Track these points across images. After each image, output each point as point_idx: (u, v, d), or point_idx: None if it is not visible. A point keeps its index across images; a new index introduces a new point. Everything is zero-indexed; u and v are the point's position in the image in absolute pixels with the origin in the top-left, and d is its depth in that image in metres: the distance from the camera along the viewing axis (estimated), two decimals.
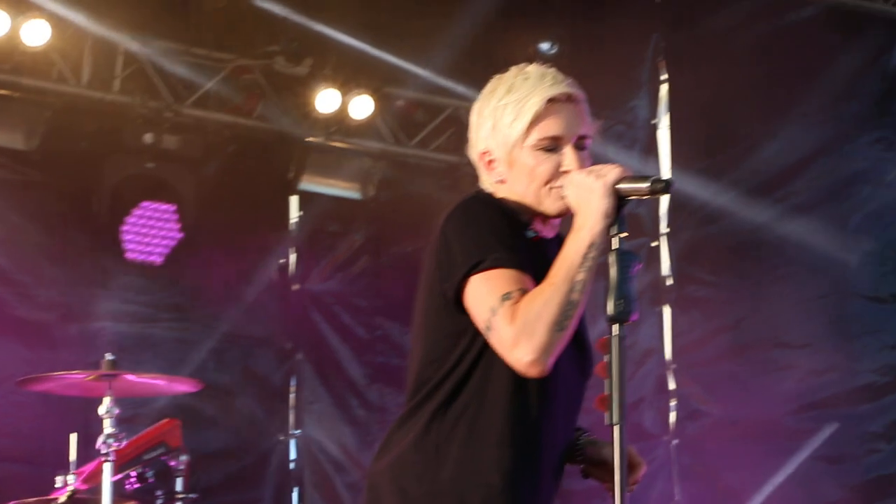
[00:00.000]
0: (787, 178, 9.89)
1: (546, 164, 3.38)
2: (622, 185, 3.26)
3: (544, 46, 9.05)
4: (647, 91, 9.94)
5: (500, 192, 3.43)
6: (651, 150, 9.93)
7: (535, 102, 3.36)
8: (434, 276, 3.35)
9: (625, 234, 3.26)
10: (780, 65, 9.80)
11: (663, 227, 9.89)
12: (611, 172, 3.27)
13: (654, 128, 9.94)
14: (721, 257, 9.85)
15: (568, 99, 3.38)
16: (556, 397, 3.40)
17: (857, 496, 9.41)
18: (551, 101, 3.37)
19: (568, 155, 3.37)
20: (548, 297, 3.21)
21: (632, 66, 9.90)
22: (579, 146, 3.40)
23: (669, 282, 9.83)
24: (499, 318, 3.22)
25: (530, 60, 3.48)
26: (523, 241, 3.37)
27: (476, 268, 3.26)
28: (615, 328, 3.21)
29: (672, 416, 9.74)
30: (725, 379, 9.64)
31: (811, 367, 9.63)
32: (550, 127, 3.37)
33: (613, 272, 3.21)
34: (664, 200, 9.88)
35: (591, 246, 3.22)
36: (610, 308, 3.21)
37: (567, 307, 3.21)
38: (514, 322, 3.20)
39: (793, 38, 9.87)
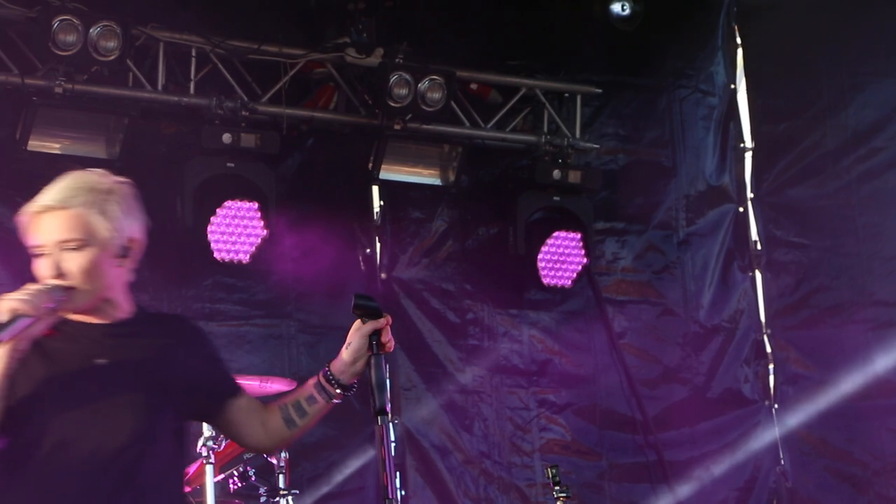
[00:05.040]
0: (873, 133, 9.73)
1: (39, 268, 3.79)
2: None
3: (616, 7, 8.91)
4: (722, 56, 9.82)
5: None
6: (731, 115, 9.82)
7: (24, 217, 3.81)
8: None
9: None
10: (859, 19, 9.63)
11: (749, 193, 9.79)
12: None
13: (734, 92, 9.82)
14: (808, 218, 9.72)
15: (48, 210, 3.78)
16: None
17: None
18: (35, 213, 3.79)
19: (41, 263, 3.78)
20: None
21: (706, 31, 9.79)
22: (64, 249, 3.77)
23: (759, 246, 9.74)
24: None
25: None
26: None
27: None
28: (380, 419, 3.83)
29: (771, 381, 9.64)
30: (822, 341, 9.51)
31: None
32: (31, 237, 3.80)
33: (374, 374, 3.90)
34: (748, 165, 9.79)
35: None
36: (376, 403, 3.85)
37: None
38: None
39: None
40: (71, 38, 7.61)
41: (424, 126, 8.72)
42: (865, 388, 9.30)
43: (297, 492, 6.43)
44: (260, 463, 6.39)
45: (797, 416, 9.49)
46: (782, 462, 9.48)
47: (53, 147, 7.92)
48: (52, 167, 7.90)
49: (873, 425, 9.32)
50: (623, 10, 8.94)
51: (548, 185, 9.05)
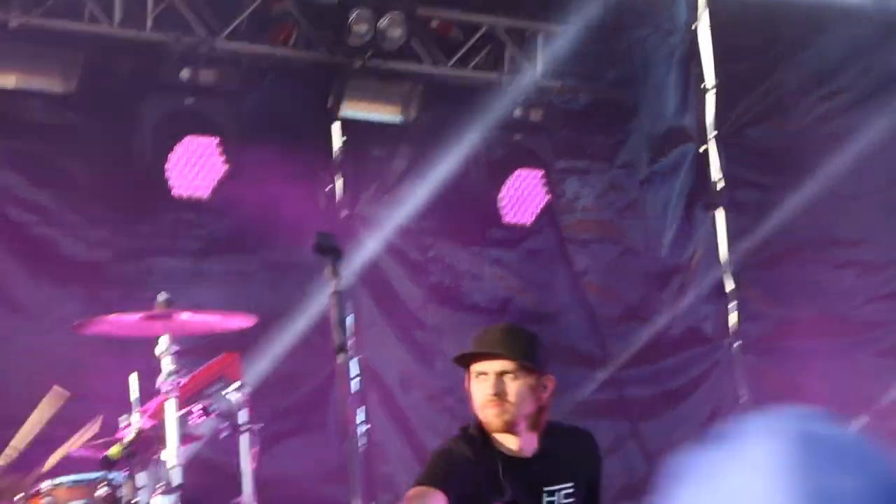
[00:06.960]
0: (835, 73, 9.73)
1: None
2: None
3: None
4: None
5: None
6: (693, 54, 9.78)
7: None
8: None
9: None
10: None
11: (711, 132, 9.77)
12: None
13: (695, 32, 9.78)
14: (770, 158, 9.72)
15: None
16: None
17: None
18: None
19: None
20: None
21: None
22: None
23: (720, 185, 9.74)
24: None
25: None
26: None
27: None
28: (340, 357, 4.12)
29: (732, 320, 9.67)
30: (783, 280, 9.55)
31: (870, 262, 9.52)
32: None
33: (335, 312, 4.12)
34: (710, 105, 9.78)
35: None
36: (336, 340, 4.12)
37: None
38: None
39: None
40: None
41: (385, 63, 8.64)
42: (826, 326, 9.35)
43: (262, 424, 6.40)
44: (221, 398, 6.34)
45: (758, 355, 9.54)
46: (741, 400, 9.53)
47: (8, 81, 7.81)
48: (8, 101, 7.87)
49: (833, 363, 9.38)
50: None
51: (509, 124, 9.02)
